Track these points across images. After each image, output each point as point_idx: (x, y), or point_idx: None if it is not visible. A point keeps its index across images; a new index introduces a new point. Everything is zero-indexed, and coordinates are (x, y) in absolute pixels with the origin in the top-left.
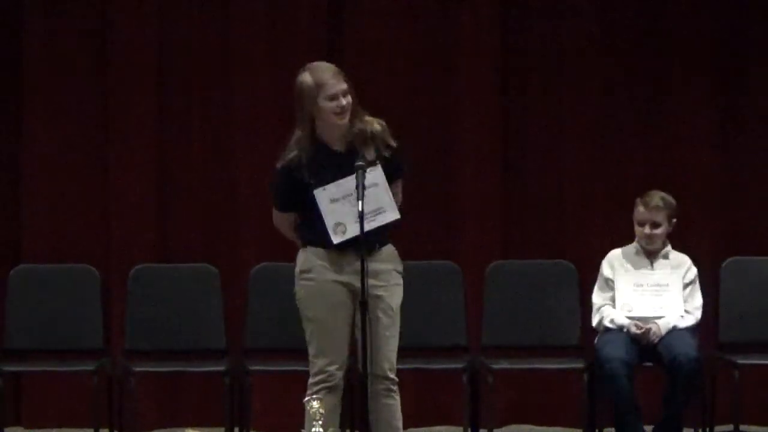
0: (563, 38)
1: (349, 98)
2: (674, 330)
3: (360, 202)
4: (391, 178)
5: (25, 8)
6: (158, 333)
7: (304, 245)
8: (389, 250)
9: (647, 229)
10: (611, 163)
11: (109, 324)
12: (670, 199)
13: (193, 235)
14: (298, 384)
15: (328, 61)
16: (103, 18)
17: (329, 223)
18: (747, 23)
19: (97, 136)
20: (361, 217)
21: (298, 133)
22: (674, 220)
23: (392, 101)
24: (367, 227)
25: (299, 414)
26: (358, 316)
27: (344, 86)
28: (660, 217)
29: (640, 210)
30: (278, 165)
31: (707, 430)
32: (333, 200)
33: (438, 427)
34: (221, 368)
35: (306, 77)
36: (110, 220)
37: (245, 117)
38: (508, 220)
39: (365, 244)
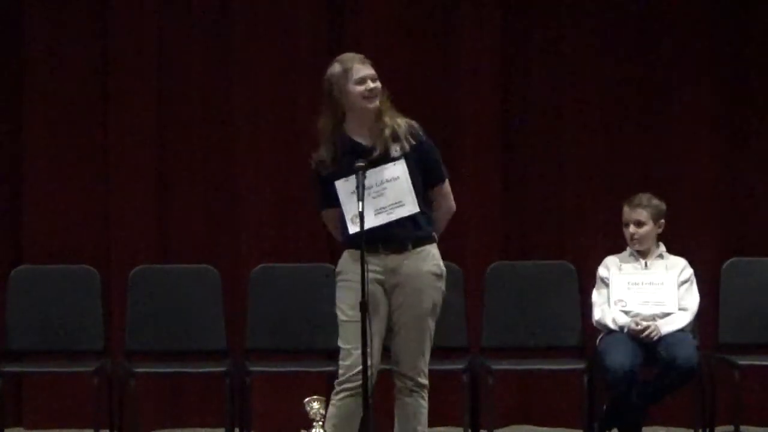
0: (564, 38)
1: (379, 84)
2: (675, 331)
3: (360, 203)
4: (428, 182)
5: (25, 9)
6: (159, 334)
7: (344, 246)
8: (426, 250)
9: (631, 229)
10: (611, 164)
11: (110, 325)
12: (657, 200)
13: (193, 236)
14: (299, 384)
15: (328, 61)
16: (103, 18)
17: (348, 214)
18: (748, 23)
19: (97, 136)
20: (361, 217)
21: (323, 124)
22: (662, 221)
23: (392, 101)
24: (384, 220)
25: (300, 414)
26: (393, 314)
27: (372, 71)
28: (643, 215)
29: (624, 210)
30: (311, 161)
31: (707, 430)
32: (353, 192)
33: (438, 428)
34: (222, 369)
35: (334, 66)
36: (110, 220)
37: (245, 117)
38: (508, 221)
39: (395, 242)
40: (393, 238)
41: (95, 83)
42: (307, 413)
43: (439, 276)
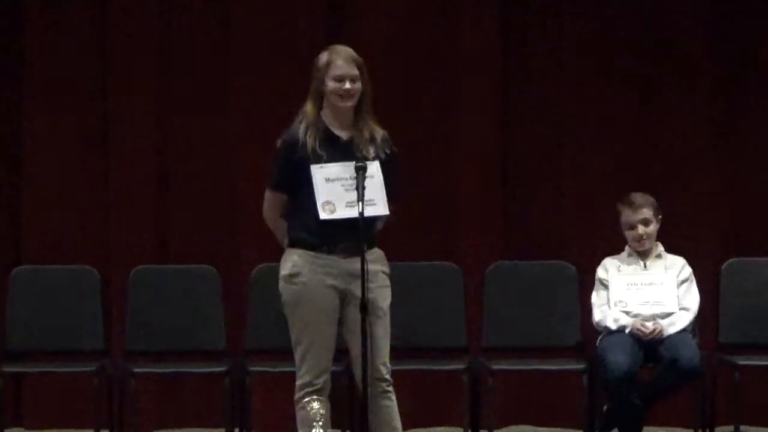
0: (563, 38)
1: (358, 86)
2: (676, 331)
3: (360, 203)
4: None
5: (25, 8)
6: (158, 334)
7: (292, 245)
8: (377, 252)
9: (640, 229)
10: (611, 163)
11: (110, 325)
12: (650, 197)
13: (193, 236)
14: None
15: None
16: (103, 18)
17: (319, 200)
18: (747, 23)
19: (97, 137)
20: (361, 220)
21: (306, 107)
22: (660, 217)
23: (392, 101)
24: (354, 214)
25: None
26: (346, 318)
27: (353, 72)
28: (648, 214)
29: (627, 213)
30: (280, 139)
31: (707, 430)
32: (328, 180)
33: (438, 428)
34: (221, 369)
35: (323, 55)
36: (110, 220)
37: (245, 117)
38: (508, 221)
39: (354, 244)
40: (355, 239)
41: (95, 83)
42: (303, 414)
43: (388, 276)
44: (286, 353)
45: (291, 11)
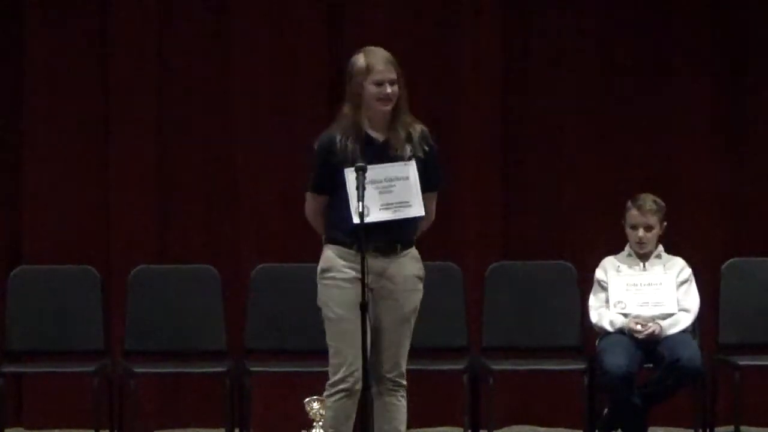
0: (563, 38)
1: (396, 89)
2: (677, 332)
3: (360, 203)
4: (424, 187)
5: (26, 8)
6: (159, 334)
7: (328, 242)
8: (413, 253)
9: (641, 232)
10: (611, 163)
11: (110, 325)
12: (661, 201)
13: (193, 236)
14: (299, 384)
15: (327, 61)
16: (103, 18)
17: (353, 204)
18: (748, 24)
19: (97, 136)
20: (362, 217)
21: (344, 110)
22: (665, 223)
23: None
24: (389, 216)
25: (299, 415)
26: (377, 317)
27: (393, 76)
28: (653, 220)
29: (633, 213)
30: (317, 142)
31: (707, 430)
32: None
33: (438, 428)
34: (221, 369)
35: (359, 59)
36: (110, 220)
37: (245, 117)
38: (508, 221)
39: (386, 244)
40: (387, 239)
41: (95, 82)
42: (307, 413)
43: (421, 279)
44: (286, 353)
45: (291, 10)
